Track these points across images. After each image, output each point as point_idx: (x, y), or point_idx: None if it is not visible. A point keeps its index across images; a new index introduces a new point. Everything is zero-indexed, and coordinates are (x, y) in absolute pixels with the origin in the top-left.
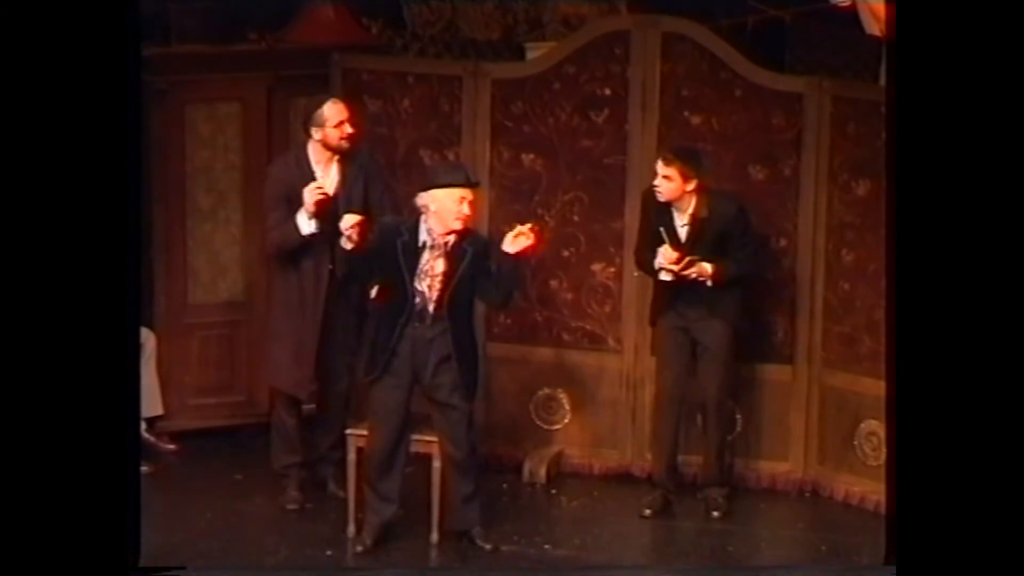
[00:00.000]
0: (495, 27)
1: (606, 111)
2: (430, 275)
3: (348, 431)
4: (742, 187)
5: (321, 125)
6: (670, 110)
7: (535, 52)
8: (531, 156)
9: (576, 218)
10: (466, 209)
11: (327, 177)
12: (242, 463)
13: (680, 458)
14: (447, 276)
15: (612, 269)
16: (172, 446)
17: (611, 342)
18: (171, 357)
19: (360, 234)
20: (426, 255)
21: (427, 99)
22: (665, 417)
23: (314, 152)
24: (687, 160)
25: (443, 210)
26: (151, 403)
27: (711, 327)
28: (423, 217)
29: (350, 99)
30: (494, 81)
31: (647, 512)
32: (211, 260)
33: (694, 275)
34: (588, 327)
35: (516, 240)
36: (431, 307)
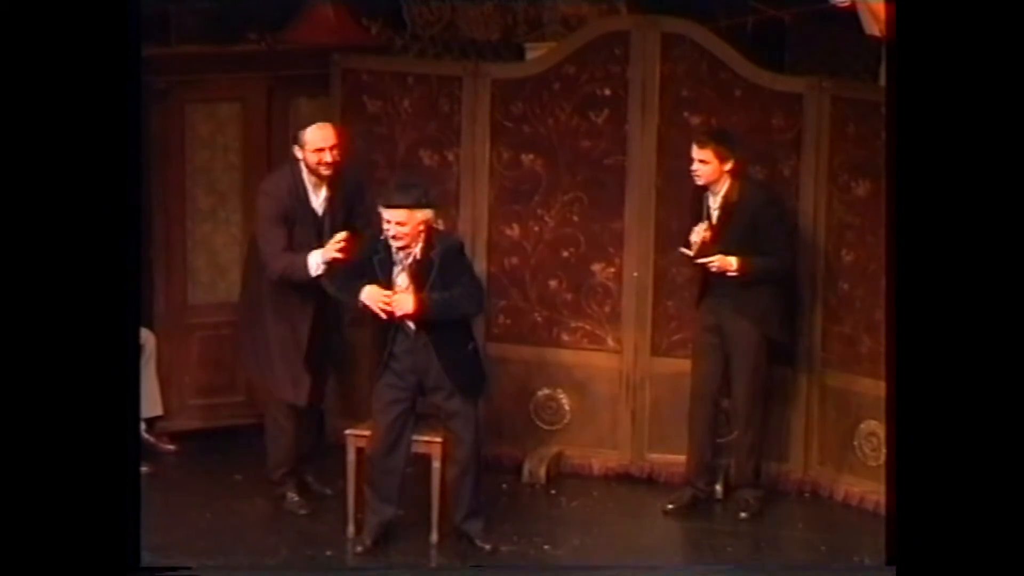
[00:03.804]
0: (495, 27)
1: (606, 111)
2: (399, 289)
3: (348, 431)
4: None
5: (302, 146)
6: (670, 110)
7: (535, 52)
8: (531, 156)
9: (576, 218)
10: (394, 228)
11: (318, 196)
12: (242, 463)
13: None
14: (417, 288)
15: (612, 269)
16: (172, 446)
17: (611, 342)
18: (171, 357)
19: (345, 250)
20: (396, 269)
21: (427, 99)
22: (696, 415)
23: (305, 169)
24: (721, 140)
25: (386, 226)
26: (151, 403)
27: (739, 330)
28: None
29: (348, 104)
30: (494, 81)
31: (669, 507)
32: (211, 260)
33: (716, 266)
34: (588, 327)
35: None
36: (409, 320)
